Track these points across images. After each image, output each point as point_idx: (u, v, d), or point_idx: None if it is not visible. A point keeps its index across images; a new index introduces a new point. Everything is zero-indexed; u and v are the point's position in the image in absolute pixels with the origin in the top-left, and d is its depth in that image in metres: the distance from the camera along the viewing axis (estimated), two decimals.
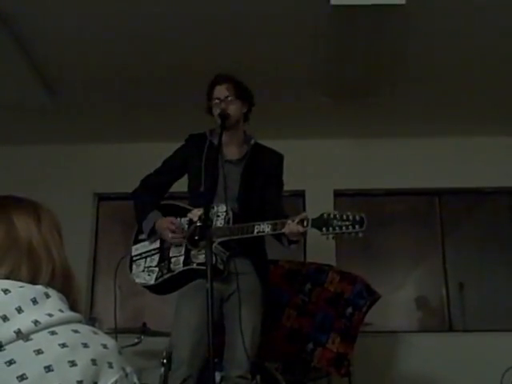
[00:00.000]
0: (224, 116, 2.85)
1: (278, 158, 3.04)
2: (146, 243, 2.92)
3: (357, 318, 3.76)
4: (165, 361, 3.48)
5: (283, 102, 4.70)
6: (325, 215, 2.49)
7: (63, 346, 0.98)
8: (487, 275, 5.42)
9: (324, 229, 2.47)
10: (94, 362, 0.99)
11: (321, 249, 4.78)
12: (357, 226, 2.43)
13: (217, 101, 2.92)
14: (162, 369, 3.47)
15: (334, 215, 2.47)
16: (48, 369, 0.95)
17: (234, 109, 2.91)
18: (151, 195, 3.00)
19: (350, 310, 3.75)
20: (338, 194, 5.47)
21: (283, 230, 2.55)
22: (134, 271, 2.90)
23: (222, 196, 2.81)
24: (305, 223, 2.52)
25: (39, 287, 1.07)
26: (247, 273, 2.82)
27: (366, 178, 5.44)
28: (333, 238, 2.49)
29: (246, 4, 3.58)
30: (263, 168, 2.95)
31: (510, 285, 5.38)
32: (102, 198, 5.62)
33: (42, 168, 5.48)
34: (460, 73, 4.39)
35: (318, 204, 5.12)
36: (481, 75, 4.42)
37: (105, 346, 1.04)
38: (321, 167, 5.44)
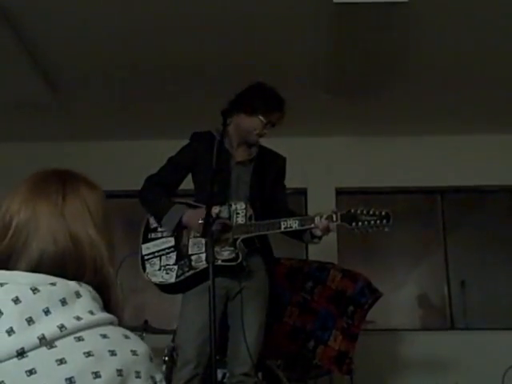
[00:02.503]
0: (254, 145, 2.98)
1: (283, 161, 3.11)
2: (158, 242, 2.88)
3: (358, 315, 3.75)
4: (166, 358, 3.48)
5: (285, 100, 4.68)
6: (352, 210, 2.65)
7: (88, 354, 0.93)
8: (489, 273, 5.42)
9: (353, 223, 2.62)
10: (119, 372, 0.93)
11: (323, 247, 4.77)
12: (384, 221, 2.60)
13: (265, 121, 2.87)
14: (164, 366, 3.46)
15: (361, 211, 2.64)
16: (70, 381, 0.90)
17: None
18: (162, 193, 2.94)
19: (351, 307, 3.75)
20: (339, 192, 5.47)
21: (312, 225, 2.67)
22: (148, 270, 2.85)
23: (233, 196, 2.84)
24: (334, 218, 2.64)
25: (72, 284, 1.00)
26: (258, 270, 2.85)
27: (367, 176, 5.43)
28: (360, 232, 2.65)
29: (247, 2, 3.58)
30: (271, 170, 3.02)
31: None
32: None
33: (43, 165, 5.44)
34: (462, 71, 4.38)
35: (320, 202, 5.11)
36: (483, 73, 4.42)
37: (134, 353, 0.98)
38: (323, 165, 5.43)
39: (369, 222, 2.61)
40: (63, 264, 1.02)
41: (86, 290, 1.01)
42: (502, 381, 4.35)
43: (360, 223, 2.62)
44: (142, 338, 3.70)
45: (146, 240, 2.92)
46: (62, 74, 4.40)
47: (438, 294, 5.47)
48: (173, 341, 3.51)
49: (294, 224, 2.69)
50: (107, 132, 5.38)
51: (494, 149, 5.40)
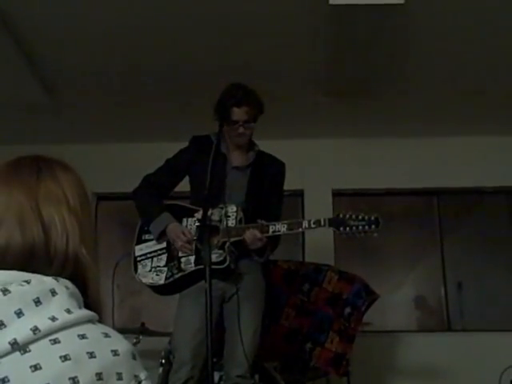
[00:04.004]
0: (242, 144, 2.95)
1: (281, 167, 3.08)
2: (151, 243, 2.90)
3: (355, 317, 3.75)
4: (163, 361, 3.48)
5: (282, 102, 4.69)
6: (341, 215, 2.63)
7: (65, 358, 0.86)
8: (486, 275, 5.43)
9: (342, 228, 2.60)
10: (99, 376, 0.88)
11: (319, 249, 4.79)
12: (373, 226, 2.58)
13: (236, 125, 2.85)
14: (161, 369, 3.46)
15: (350, 215, 2.62)
16: None
17: (251, 131, 2.93)
18: (156, 195, 2.96)
19: (348, 309, 3.75)
20: (336, 194, 5.47)
21: (300, 230, 2.68)
22: (139, 271, 2.88)
23: (226, 200, 2.84)
24: (322, 223, 2.63)
25: (48, 281, 0.93)
26: (253, 272, 2.86)
27: (364, 177, 5.44)
28: (348, 237, 2.62)
29: (245, 4, 3.58)
30: (268, 175, 3.00)
31: (509, 284, 5.39)
32: (100, 197, 5.61)
33: None
34: (459, 72, 4.39)
35: (317, 204, 5.12)
36: (480, 75, 4.43)
37: (115, 353, 0.92)
38: (319, 167, 5.44)
39: (357, 226, 2.59)
40: (32, 253, 0.96)
41: (62, 287, 0.94)
42: (499, 382, 4.36)
43: (348, 228, 2.60)
44: (139, 341, 3.70)
45: (140, 241, 2.94)
46: (59, 76, 4.40)
47: (434, 296, 5.47)
48: (170, 343, 3.51)
49: (282, 228, 2.69)
50: (105, 134, 5.37)
51: (490, 150, 5.41)
